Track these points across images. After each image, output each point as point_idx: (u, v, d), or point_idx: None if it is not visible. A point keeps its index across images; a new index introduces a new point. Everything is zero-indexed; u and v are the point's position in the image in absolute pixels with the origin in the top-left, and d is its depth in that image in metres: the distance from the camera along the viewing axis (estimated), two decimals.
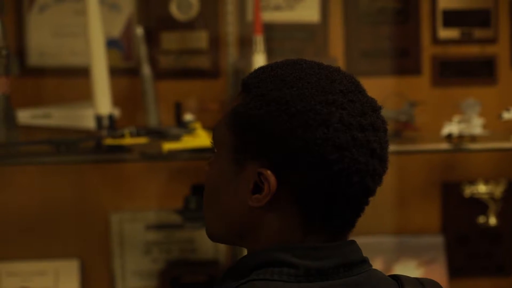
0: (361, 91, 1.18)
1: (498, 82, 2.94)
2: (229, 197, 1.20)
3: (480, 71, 2.92)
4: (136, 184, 2.82)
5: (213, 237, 1.26)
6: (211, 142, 1.25)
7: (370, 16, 2.87)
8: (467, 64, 2.92)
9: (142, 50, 2.62)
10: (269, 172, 1.14)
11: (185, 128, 2.40)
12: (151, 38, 2.75)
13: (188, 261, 2.82)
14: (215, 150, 1.23)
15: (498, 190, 2.90)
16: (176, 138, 2.35)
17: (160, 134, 2.36)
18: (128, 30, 2.79)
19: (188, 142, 2.37)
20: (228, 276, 1.20)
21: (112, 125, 2.44)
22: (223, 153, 1.20)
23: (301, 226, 1.16)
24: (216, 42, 2.80)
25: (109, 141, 2.37)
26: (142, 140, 2.36)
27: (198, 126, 2.41)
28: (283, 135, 1.13)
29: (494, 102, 2.88)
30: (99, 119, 2.44)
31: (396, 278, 1.24)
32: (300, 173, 1.13)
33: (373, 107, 1.17)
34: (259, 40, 2.46)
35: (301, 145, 1.12)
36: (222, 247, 2.81)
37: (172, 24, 2.76)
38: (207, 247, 2.83)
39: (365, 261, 1.20)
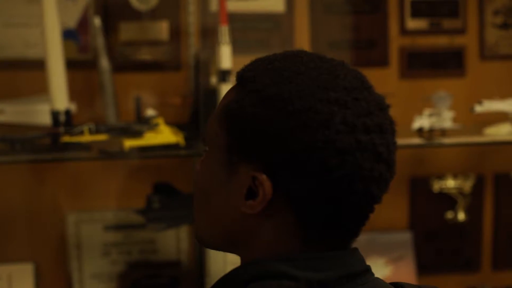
0: (367, 87, 1.08)
1: (467, 73, 2.87)
2: (220, 202, 1.09)
3: (449, 63, 2.85)
4: (94, 182, 2.68)
5: (203, 242, 1.15)
6: (203, 138, 1.13)
7: (336, 6, 2.77)
8: (436, 55, 2.84)
9: (100, 41, 2.49)
10: (264, 176, 1.03)
11: (147, 123, 2.27)
12: (109, 29, 2.62)
13: (149, 263, 2.70)
14: (207, 148, 1.12)
15: (467, 185, 2.84)
16: (138, 134, 2.22)
17: (121, 131, 2.23)
18: (84, 20, 2.64)
19: (151, 138, 2.25)
20: None
21: (69, 121, 2.31)
22: (214, 152, 1.09)
23: (300, 235, 1.06)
24: (177, 33, 2.68)
25: (67, 138, 2.23)
26: (102, 137, 2.23)
27: (161, 121, 2.29)
28: (280, 136, 1.02)
29: (464, 94, 2.82)
30: (55, 114, 2.30)
31: (399, 286, 1.16)
32: (298, 178, 1.02)
33: (381, 106, 1.07)
34: (224, 31, 2.34)
35: (299, 148, 1.01)
36: (184, 247, 2.69)
37: (131, 14, 2.62)
38: (168, 247, 2.70)
39: (368, 270, 1.11)
